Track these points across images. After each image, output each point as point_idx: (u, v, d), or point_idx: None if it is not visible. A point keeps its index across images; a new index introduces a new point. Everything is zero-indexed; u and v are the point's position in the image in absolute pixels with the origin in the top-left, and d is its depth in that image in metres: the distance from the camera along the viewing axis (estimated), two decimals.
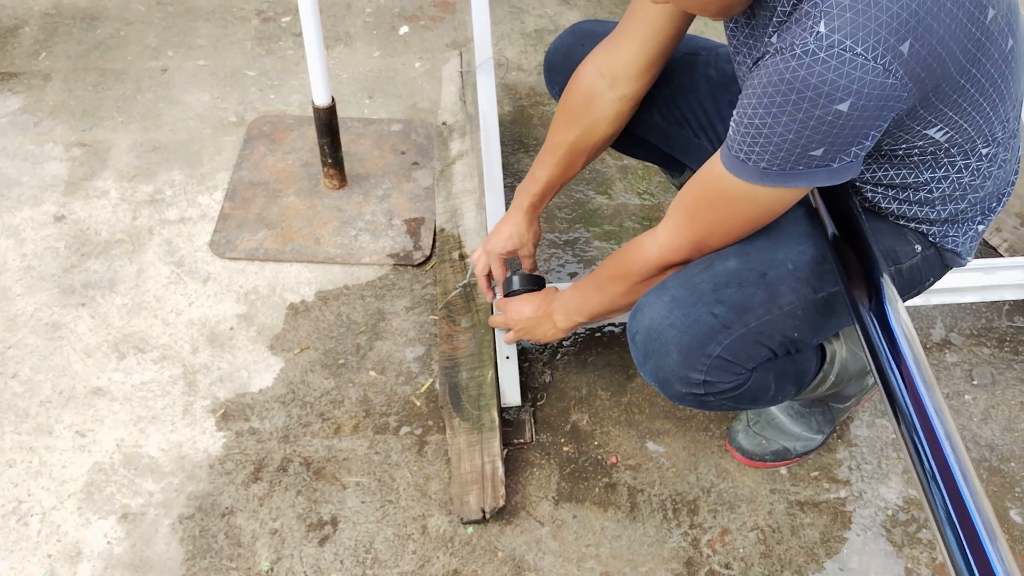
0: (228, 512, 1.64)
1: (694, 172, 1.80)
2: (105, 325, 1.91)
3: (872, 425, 1.80)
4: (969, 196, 1.33)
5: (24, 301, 1.95)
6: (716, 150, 1.68)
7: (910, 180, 1.30)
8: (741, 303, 1.32)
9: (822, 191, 1.34)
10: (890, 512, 1.67)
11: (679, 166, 1.84)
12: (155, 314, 1.94)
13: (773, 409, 1.71)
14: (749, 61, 1.27)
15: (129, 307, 1.95)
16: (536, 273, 1.77)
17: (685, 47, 1.64)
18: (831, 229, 1.31)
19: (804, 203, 1.37)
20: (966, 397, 1.85)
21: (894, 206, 1.36)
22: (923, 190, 1.31)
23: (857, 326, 1.18)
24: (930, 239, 1.39)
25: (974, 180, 1.30)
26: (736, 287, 1.33)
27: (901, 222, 1.38)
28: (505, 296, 1.75)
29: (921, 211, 1.35)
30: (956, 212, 1.35)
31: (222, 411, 1.78)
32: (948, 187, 1.30)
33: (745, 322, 1.33)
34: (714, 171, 1.26)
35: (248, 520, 1.63)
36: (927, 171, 1.28)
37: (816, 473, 1.72)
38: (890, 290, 1.19)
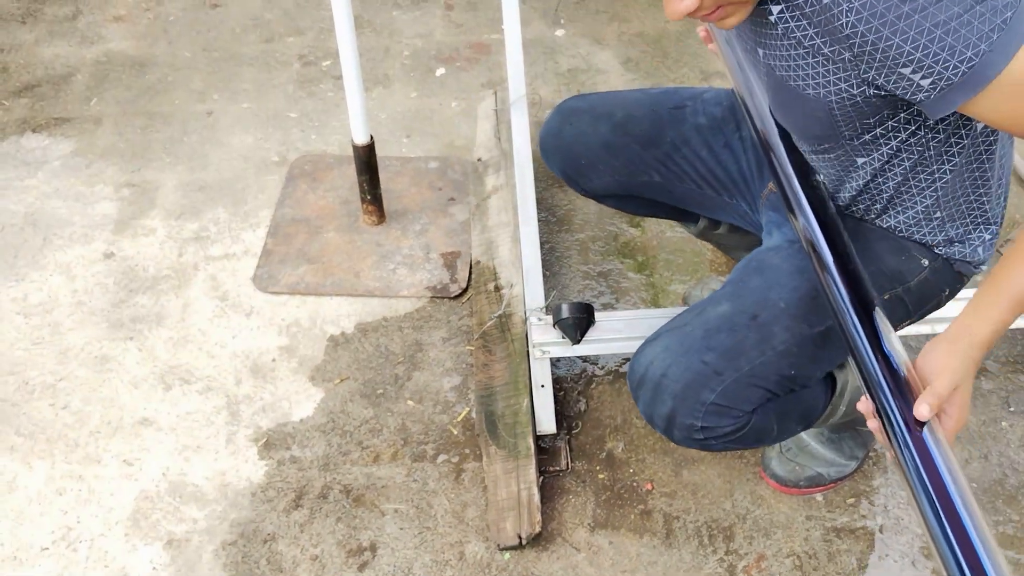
0: (270, 538, 1.67)
1: (708, 220, 1.81)
2: (152, 358, 1.97)
3: None
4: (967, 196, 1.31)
5: (75, 335, 2.02)
6: (720, 197, 1.68)
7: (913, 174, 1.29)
8: (732, 348, 1.33)
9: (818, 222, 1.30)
10: (927, 539, 1.66)
11: (693, 216, 1.82)
12: (200, 347, 1.99)
13: (804, 435, 1.71)
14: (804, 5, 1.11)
15: (175, 340, 2.01)
16: (584, 302, 1.69)
17: (670, 102, 1.64)
18: (822, 262, 1.26)
19: (795, 239, 1.37)
20: (1003, 424, 1.84)
21: (896, 219, 1.36)
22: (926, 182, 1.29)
23: (853, 361, 1.18)
24: (936, 251, 1.38)
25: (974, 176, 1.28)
26: (727, 332, 1.34)
27: (903, 238, 1.38)
28: (556, 324, 1.71)
29: (922, 229, 1.35)
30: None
31: (264, 440, 1.82)
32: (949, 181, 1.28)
33: (737, 367, 1.33)
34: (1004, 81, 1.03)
35: (289, 546, 1.66)
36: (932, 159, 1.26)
37: (852, 500, 1.72)
38: (884, 323, 1.17)
